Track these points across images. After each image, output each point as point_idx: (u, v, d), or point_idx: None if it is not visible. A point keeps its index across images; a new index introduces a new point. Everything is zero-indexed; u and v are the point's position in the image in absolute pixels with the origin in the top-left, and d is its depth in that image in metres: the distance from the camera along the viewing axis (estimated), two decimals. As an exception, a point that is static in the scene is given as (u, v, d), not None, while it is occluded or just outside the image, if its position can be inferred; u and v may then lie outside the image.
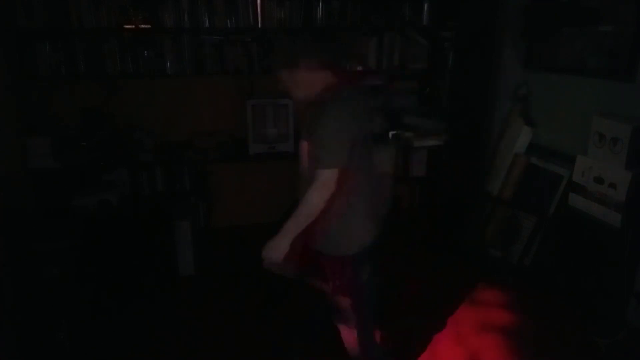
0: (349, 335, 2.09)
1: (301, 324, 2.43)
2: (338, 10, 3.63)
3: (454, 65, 3.71)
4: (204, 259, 3.36)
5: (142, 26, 3.40)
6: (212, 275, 3.27)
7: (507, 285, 3.12)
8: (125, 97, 3.61)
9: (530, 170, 3.26)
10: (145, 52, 3.45)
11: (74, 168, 3.42)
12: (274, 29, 3.58)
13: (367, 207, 1.92)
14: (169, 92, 3.72)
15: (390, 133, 3.77)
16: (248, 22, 3.52)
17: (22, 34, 3.26)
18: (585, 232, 2.75)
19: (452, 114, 3.74)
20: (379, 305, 2.06)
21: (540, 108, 3.29)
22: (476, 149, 3.71)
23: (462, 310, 2.89)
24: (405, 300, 2.98)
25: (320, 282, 2.01)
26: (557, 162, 3.09)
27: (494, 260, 3.36)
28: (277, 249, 1.81)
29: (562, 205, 2.98)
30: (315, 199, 1.76)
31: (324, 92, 1.84)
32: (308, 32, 3.63)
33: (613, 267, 2.59)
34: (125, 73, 3.47)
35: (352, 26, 3.70)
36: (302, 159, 1.97)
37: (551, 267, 2.98)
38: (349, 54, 1.81)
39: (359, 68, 3.82)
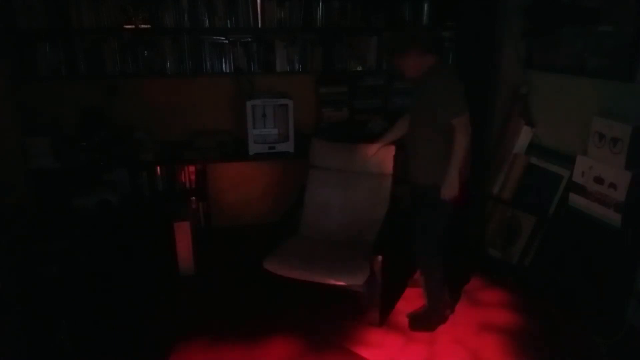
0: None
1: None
2: (338, 10, 3.64)
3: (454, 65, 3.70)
4: (204, 259, 3.36)
5: (142, 26, 3.40)
6: (212, 275, 3.26)
7: (507, 285, 3.12)
8: (125, 97, 3.61)
9: (530, 170, 3.26)
10: (145, 52, 3.46)
11: (74, 168, 3.42)
12: (274, 29, 3.58)
13: None
14: (169, 92, 3.72)
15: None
16: (248, 22, 3.52)
17: (22, 34, 3.26)
18: (585, 232, 2.75)
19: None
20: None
21: (540, 108, 3.29)
22: (476, 149, 3.70)
23: (462, 310, 2.89)
24: (404, 300, 2.98)
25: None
26: (557, 162, 3.09)
27: (494, 260, 3.36)
28: (454, 185, 2.42)
29: (562, 205, 2.98)
30: (464, 140, 2.39)
31: (427, 70, 2.50)
32: (308, 32, 3.64)
33: (613, 267, 2.59)
34: (125, 73, 3.48)
35: (352, 26, 3.70)
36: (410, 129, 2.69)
37: (551, 267, 2.98)
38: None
39: (359, 68, 3.83)
